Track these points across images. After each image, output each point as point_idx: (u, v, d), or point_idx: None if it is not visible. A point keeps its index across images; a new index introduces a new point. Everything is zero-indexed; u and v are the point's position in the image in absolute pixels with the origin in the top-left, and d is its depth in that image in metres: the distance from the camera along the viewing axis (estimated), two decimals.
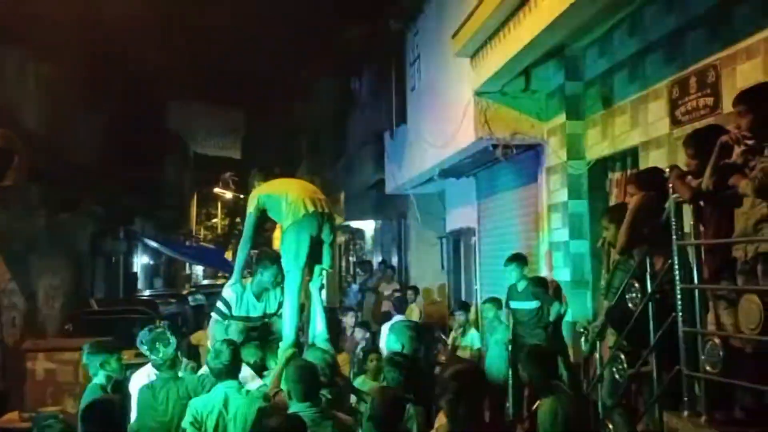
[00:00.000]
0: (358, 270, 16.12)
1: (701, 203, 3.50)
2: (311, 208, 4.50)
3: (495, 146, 7.40)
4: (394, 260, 14.14)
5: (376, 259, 15.44)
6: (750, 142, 3.25)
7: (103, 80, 13.88)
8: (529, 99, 7.20)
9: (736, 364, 3.36)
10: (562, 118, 6.78)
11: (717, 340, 3.37)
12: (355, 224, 17.42)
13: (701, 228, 3.55)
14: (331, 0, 13.37)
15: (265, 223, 5.06)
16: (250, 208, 4.80)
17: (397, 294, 11.00)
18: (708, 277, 3.48)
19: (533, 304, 6.40)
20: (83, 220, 13.96)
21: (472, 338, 8.30)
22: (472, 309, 9.27)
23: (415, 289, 10.95)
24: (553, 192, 7.02)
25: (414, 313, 10.33)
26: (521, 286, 6.59)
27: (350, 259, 20.05)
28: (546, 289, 6.45)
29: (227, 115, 24.58)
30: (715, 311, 3.59)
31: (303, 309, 4.70)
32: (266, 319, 4.85)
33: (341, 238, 21.20)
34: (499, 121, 7.26)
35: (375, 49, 12.19)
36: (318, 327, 4.64)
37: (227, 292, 4.80)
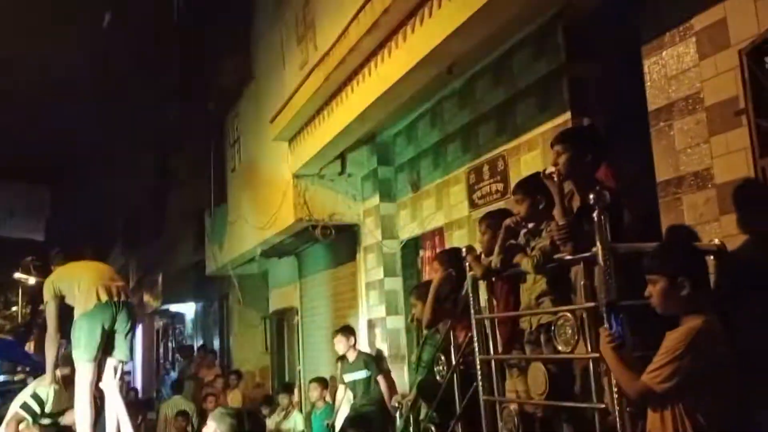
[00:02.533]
0: (177, 356, 15.35)
1: (493, 279, 3.85)
2: (104, 298, 4.30)
3: (314, 227, 7.60)
4: (217, 343, 13.67)
5: (198, 344, 14.82)
6: (530, 225, 3.67)
7: None
8: (346, 182, 7.54)
9: (530, 428, 3.66)
10: (376, 200, 7.15)
11: (513, 407, 3.67)
12: (174, 307, 16.68)
13: (494, 302, 3.90)
14: (147, 78, 13.14)
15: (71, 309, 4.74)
16: (47, 297, 4.50)
17: (220, 380, 10.62)
18: (502, 347, 3.80)
19: (364, 374, 6.55)
20: None
21: (296, 420, 8.20)
22: (296, 390, 9.19)
23: (238, 374, 10.65)
24: (369, 270, 7.30)
25: (237, 397, 10.01)
26: (351, 357, 6.71)
27: (169, 344, 19.05)
28: (374, 360, 6.65)
29: (30, 193, 22.77)
30: (512, 379, 3.91)
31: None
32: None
33: (159, 323, 20.11)
34: (317, 202, 7.50)
35: (194, 129, 12.11)
36: (123, 427, 4.33)
37: (41, 389, 4.40)
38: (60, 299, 4.49)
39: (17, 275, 30.43)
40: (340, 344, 6.74)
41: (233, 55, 9.40)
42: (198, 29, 10.89)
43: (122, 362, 4.45)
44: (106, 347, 4.33)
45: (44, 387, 4.44)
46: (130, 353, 4.51)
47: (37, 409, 4.37)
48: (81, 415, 4.18)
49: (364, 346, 7.33)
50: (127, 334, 4.43)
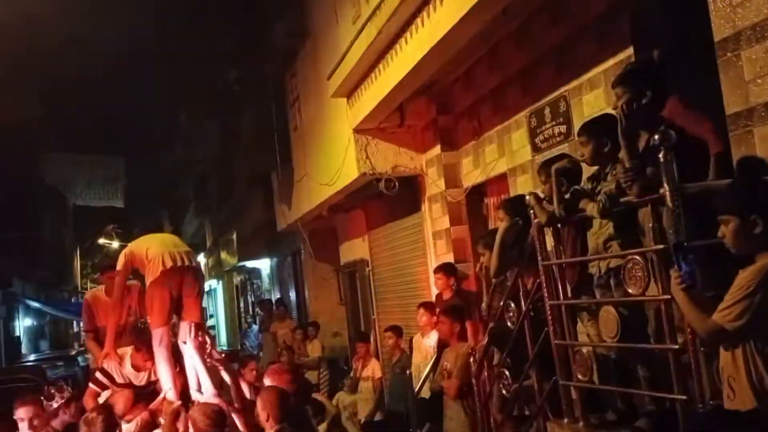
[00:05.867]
0: (257, 310, 15.96)
1: (558, 226, 3.84)
2: (170, 264, 4.48)
3: (378, 180, 7.67)
4: (293, 296, 14.13)
5: (275, 297, 15.35)
6: (594, 167, 3.63)
7: None
8: (406, 133, 7.54)
9: (604, 370, 3.70)
10: (437, 149, 7.14)
11: (585, 350, 3.70)
12: (250, 264, 17.27)
13: (561, 248, 3.89)
14: (204, 43, 13.35)
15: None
16: (118, 267, 4.74)
17: (299, 331, 10.99)
18: (571, 292, 3.81)
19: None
20: None
21: (374, 368, 8.46)
22: (372, 338, 9.45)
23: (315, 325, 11.01)
24: (435, 219, 7.35)
25: (316, 347, 10.40)
26: (447, 296, 6.47)
27: (249, 299, 19.81)
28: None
29: (107, 163, 23.76)
30: (582, 323, 3.93)
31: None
32: (154, 386, 4.73)
33: (237, 279, 20.89)
34: (379, 156, 7.55)
35: (254, 91, 12.28)
36: (203, 384, 4.56)
37: (108, 363, 4.69)
38: (130, 270, 4.72)
39: (101, 241, 32.21)
40: (440, 281, 6.43)
41: (287, 14, 9.42)
42: None
43: (194, 323, 4.60)
44: (178, 310, 4.54)
45: (108, 360, 4.69)
46: (201, 314, 4.70)
47: (106, 382, 4.65)
48: (164, 374, 4.45)
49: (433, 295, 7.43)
50: (196, 297, 4.61)
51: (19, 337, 19.79)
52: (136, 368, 4.69)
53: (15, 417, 4.52)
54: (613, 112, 3.44)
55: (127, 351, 4.76)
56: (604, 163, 3.52)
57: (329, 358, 10.69)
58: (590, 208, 3.43)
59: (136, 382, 4.68)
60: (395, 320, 8.54)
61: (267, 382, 4.42)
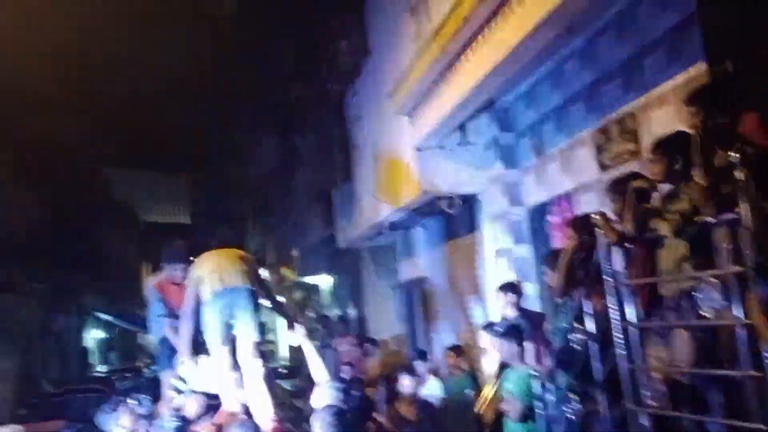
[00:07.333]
0: (316, 326, 16.07)
1: (628, 246, 3.73)
2: (218, 287, 4.55)
3: (439, 198, 7.65)
4: (352, 313, 14.19)
5: (335, 313, 15.43)
6: (664, 186, 3.52)
7: (35, 153, 13.72)
8: (467, 151, 7.49)
9: (677, 395, 3.56)
10: (499, 167, 7.08)
11: (656, 374, 3.57)
12: (310, 280, 17.44)
13: (631, 268, 3.78)
14: (267, 63, 13.66)
15: None
16: (187, 281, 4.86)
17: (355, 347, 11.00)
18: (641, 314, 3.69)
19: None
20: (25, 300, 13.64)
21: (433, 387, 8.37)
22: (430, 357, 9.36)
23: (373, 342, 10.99)
24: (497, 238, 7.26)
25: (375, 365, 10.37)
26: (510, 315, 6.05)
27: (308, 315, 19.97)
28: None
29: (174, 181, 24.55)
30: (653, 346, 3.79)
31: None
32: None
33: (297, 295, 21.11)
34: (441, 174, 7.53)
35: (315, 109, 12.50)
36: (263, 403, 4.58)
37: (182, 369, 4.81)
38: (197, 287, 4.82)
39: None
40: (501, 300, 6.08)
41: (349, 32, 9.57)
42: (313, 11, 11.16)
43: (254, 342, 4.64)
44: (237, 331, 4.61)
45: (184, 366, 4.82)
46: (259, 332, 4.73)
47: (183, 387, 4.76)
48: (222, 393, 4.54)
49: (496, 314, 7.33)
50: (251, 316, 4.65)
51: (89, 348, 20.54)
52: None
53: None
54: (685, 129, 3.35)
55: (202, 359, 4.88)
56: (676, 181, 3.41)
57: (387, 375, 10.65)
58: (663, 228, 3.33)
59: (209, 391, 4.79)
60: (454, 339, 8.47)
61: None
